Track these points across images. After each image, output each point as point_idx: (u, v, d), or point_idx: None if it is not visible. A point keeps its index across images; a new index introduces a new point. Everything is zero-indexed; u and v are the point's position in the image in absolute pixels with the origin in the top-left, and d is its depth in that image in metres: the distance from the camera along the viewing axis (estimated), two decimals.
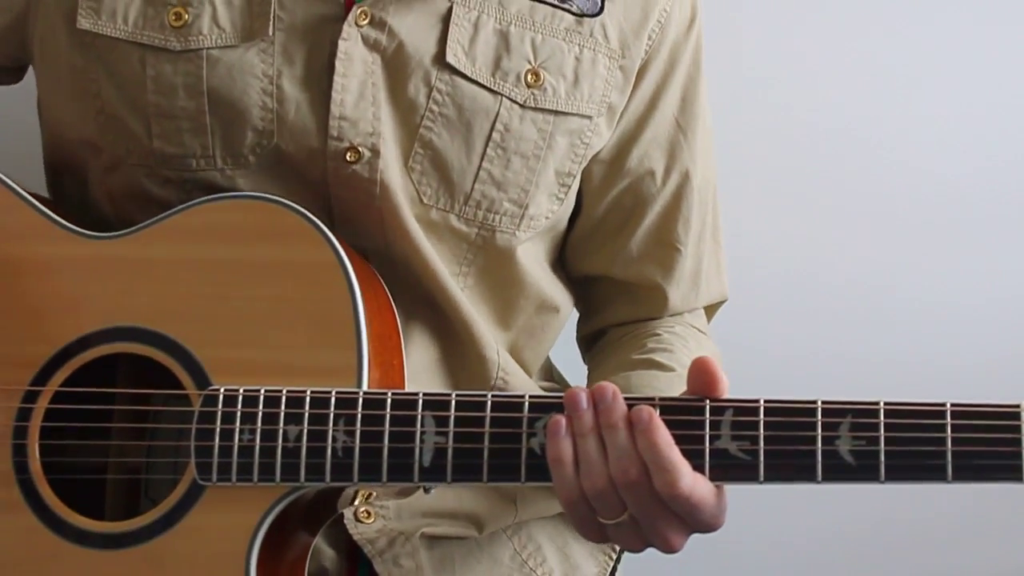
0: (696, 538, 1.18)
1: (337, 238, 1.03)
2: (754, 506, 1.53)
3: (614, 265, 1.22)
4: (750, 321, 1.44)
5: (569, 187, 1.16)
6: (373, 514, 1.11)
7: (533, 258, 1.18)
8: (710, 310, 1.28)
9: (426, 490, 1.04)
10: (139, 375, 1.06)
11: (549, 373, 1.29)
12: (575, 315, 1.28)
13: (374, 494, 1.11)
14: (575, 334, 1.29)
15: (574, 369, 1.29)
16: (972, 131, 1.58)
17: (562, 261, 1.24)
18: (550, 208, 1.16)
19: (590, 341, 1.28)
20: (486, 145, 1.10)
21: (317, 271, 1.01)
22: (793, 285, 1.59)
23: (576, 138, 1.14)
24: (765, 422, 0.92)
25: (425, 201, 1.11)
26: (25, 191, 1.10)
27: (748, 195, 1.55)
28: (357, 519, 1.10)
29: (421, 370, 1.12)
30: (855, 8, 1.57)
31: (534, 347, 1.21)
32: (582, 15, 1.13)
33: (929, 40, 1.57)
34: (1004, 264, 1.59)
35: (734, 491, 1.48)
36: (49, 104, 1.16)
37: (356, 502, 1.10)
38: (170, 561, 1.00)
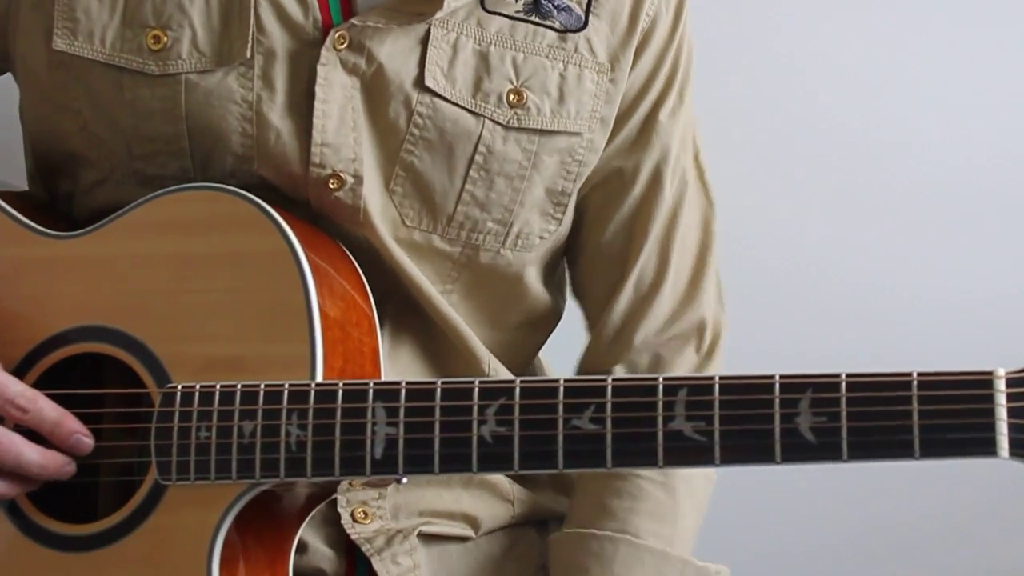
0: (698, 536, 1.10)
1: (292, 224, 0.96)
2: (754, 505, 1.49)
3: (584, 277, 1.12)
4: (749, 320, 1.34)
5: (565, 206, 1.07)
6: (370, 514, 1.04)
7: (521, 276, 1.09)
8: (703, 343, 1.14)
9: (398, 480, 0.96)
10: (107, 374, 1.00)
11: (535, 374, 1.20)
12: (571, 317, 1.18)
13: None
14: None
15: (570, 367, 1.20)
16: (972, 129, 1.51)
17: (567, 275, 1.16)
18: (544, 228, 1.07)
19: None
20: (468, 167, 1.03)
21: (269, 260, 0.94)
22: (792, 283, 1.52)
23: (566, 156, 1.05)
24: (720, 400, 0.81)
25: (407, 223, 1.03)
26: None
27: (748, 193, 1.47)
28: (354, 519, 1.03)
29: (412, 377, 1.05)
30: (859, 7, 1.50)
31: (519, 356, 1.13)
32: (565, 31, 1.04)
33: (930, 39, 1.51)
34: (1004, 262, 1.51)
35: (733, 491, 1.41)
36: (33, 114, 1.09)
37: (351, 496, 1.04)
38: (135, 562, 0.93)
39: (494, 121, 1.02)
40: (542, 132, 1.04)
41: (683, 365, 1.11)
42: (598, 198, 1.10)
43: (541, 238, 1.07)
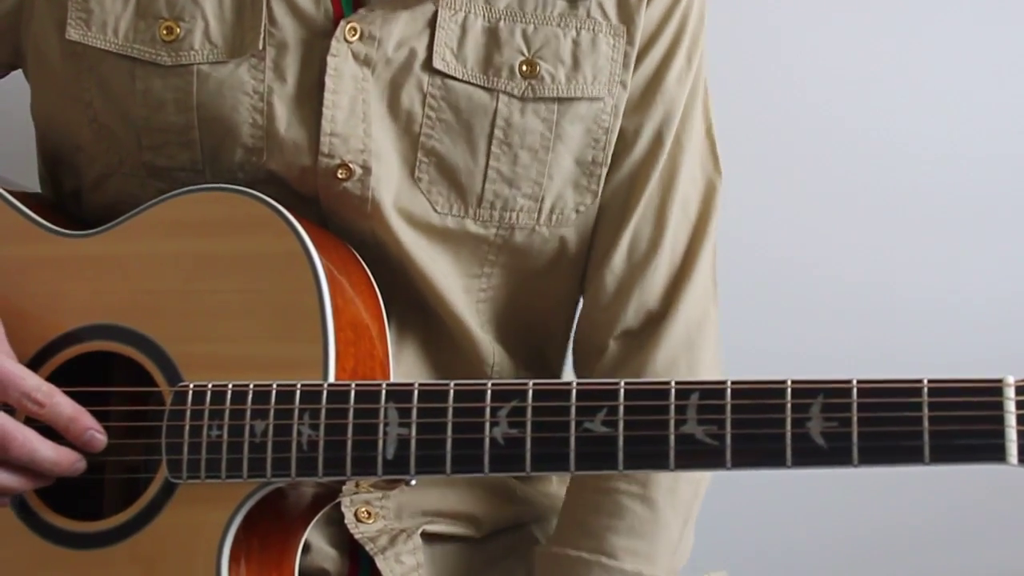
0: (699, 539, 1.10)
1: (305, 226, 0.95)
2: (754, 506, 1.49)
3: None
4: (749, 318, 1.34)
5: (599, 176, 1.06)
6: (374, 514, 1.04)
7: (559, 251, 1.07)
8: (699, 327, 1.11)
9: (407, 483, 0.95)
10: (118, 372, 1.00)
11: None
12: None
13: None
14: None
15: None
16: (972, 128, 1.50)
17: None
18: (580, 201, 1.06)
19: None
20: (489, 143, 1.02)
21: (283, 261, 0.94)
22: (794, 283, 1.51)
23: (592, 123, 1.04)
24: (732, 405, 0.81)
25: (439, 210, 1.03)
26: (3, 188, 1.03)
27: (753, 194, 1.46)
28: (358, 519, 1.04)
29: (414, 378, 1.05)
30: (858, 7, 1.49)
31: (557, 346, 1.13)
32: None
33: (930, 38, 1.50)
34: (1009, 263, 1.50)
35: (733, 492, 1.41)
36: (44, 108, 1.10)
37: (355, 496, 1.03)
38: (144, 560, 0.93)
39: (508, 94, 1.02)
40: (560, 100, 1.03)
41: (668, 347, 1.07)
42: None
43: (577, 211, 1.06)
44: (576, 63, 1.03)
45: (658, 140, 1.07)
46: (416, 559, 1.04)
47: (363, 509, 1.04)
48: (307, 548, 1.02)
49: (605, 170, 1.06)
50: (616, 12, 1.04)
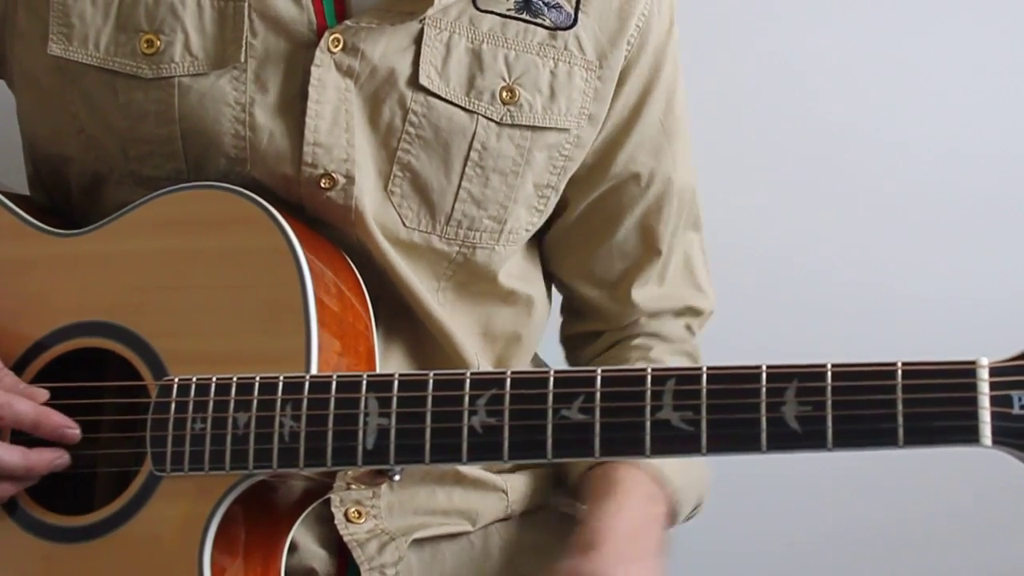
0: (697, 538, 1.11)
1: (291, 223, 0.97)
2: (753, 504, 1.49)
3: (589, 266, 1.15)
4: (748, 318, 1.34)
5: (548, 199, 1.09)
6: (364, 513, 1.05)
7: (509, 267, 1.11)
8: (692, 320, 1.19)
9: (391, 478, 0.96)
10: (111, 368, 1.01)
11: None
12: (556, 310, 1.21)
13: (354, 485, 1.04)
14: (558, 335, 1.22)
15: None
16: (968, 128, 1.50)
17: (541, 259, 1.17)
18: (529, 221, 1.09)
19: (573, 346, 1.20)
20: (464, 164, 1.04)
21: (268, 257, 0.95)
22: (790, 282, 1.51)
23: (554, 151, 1.07)
24: (708, 390, 0.82)
25: (407, 225, 1.05)
26: None
27: (748, 191, 1.47)
28: (348, 519, 1.04)
29: None
30: (857, 6, 1.50)
31: (521, 353, 1.15)
32: (555, 28, 1.06)
33: (927, 37, 1.50)
34: (1000, 262, 1.50)
35: (732, 491, 1.41)
36: (31, 119, 1.11)
37: (345, 495, 1.04)
38: (127, 553, 0.94)
39: (487, 118, 1.03)
40: (534, 128, 1.05)
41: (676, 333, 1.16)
42: (610, 203, 1.12)
43: (527, 231, 1.09)
44: (553, 94, 1.05)
45: (669, 181, 1.12)
46: (396, 569, 1.04)
47: (353, 509, 1.04)
48: (295, 547, 1.02)
49: (555, 195, 1.09)
50: (593, 48, 1.06)
